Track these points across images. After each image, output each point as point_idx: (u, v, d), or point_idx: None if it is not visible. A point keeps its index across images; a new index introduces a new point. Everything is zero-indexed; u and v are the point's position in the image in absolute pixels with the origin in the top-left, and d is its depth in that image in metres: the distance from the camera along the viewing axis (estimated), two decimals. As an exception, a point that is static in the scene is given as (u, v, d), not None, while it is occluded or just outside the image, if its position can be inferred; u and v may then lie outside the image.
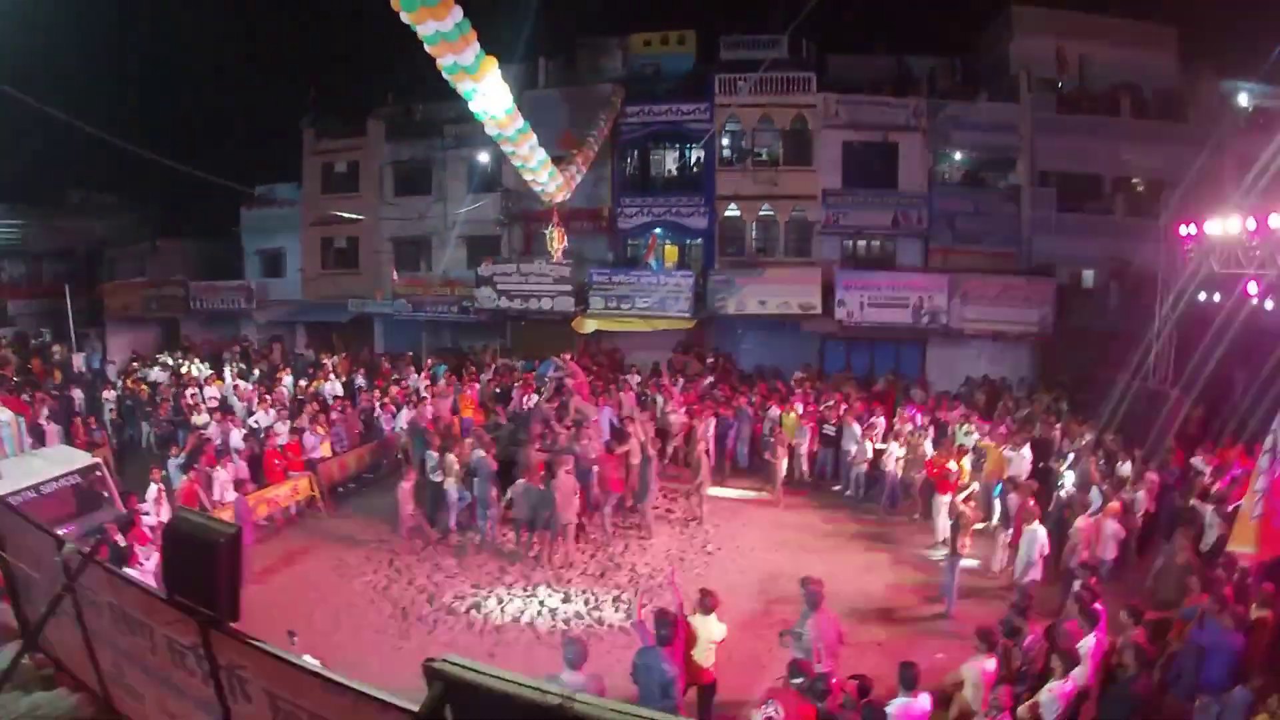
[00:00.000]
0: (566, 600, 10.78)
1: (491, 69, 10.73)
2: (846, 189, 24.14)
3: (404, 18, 8.57)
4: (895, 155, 24.09)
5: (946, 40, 27.84)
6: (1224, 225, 14.07)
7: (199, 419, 17.04)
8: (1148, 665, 6.67)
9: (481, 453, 12.66)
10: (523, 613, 10.45)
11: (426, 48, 9.42)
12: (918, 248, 24.18)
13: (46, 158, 27.25)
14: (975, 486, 12.41)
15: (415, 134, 27.77)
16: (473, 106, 11.65)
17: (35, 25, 20.98)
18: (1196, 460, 12.95)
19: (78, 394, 18.76)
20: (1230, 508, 10.17)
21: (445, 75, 10.37)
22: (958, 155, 24.61)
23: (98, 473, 11.46)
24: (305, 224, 28.87)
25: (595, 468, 12.74)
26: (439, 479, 13.10)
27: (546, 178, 15.01)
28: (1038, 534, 9.75)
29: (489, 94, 11.23)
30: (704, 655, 7.45)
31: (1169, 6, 25.82)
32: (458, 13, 8.97)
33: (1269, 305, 13.08)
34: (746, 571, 11.73)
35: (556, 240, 18.82)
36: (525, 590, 11.05)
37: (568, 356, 17.97)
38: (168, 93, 34.66)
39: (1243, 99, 23.95)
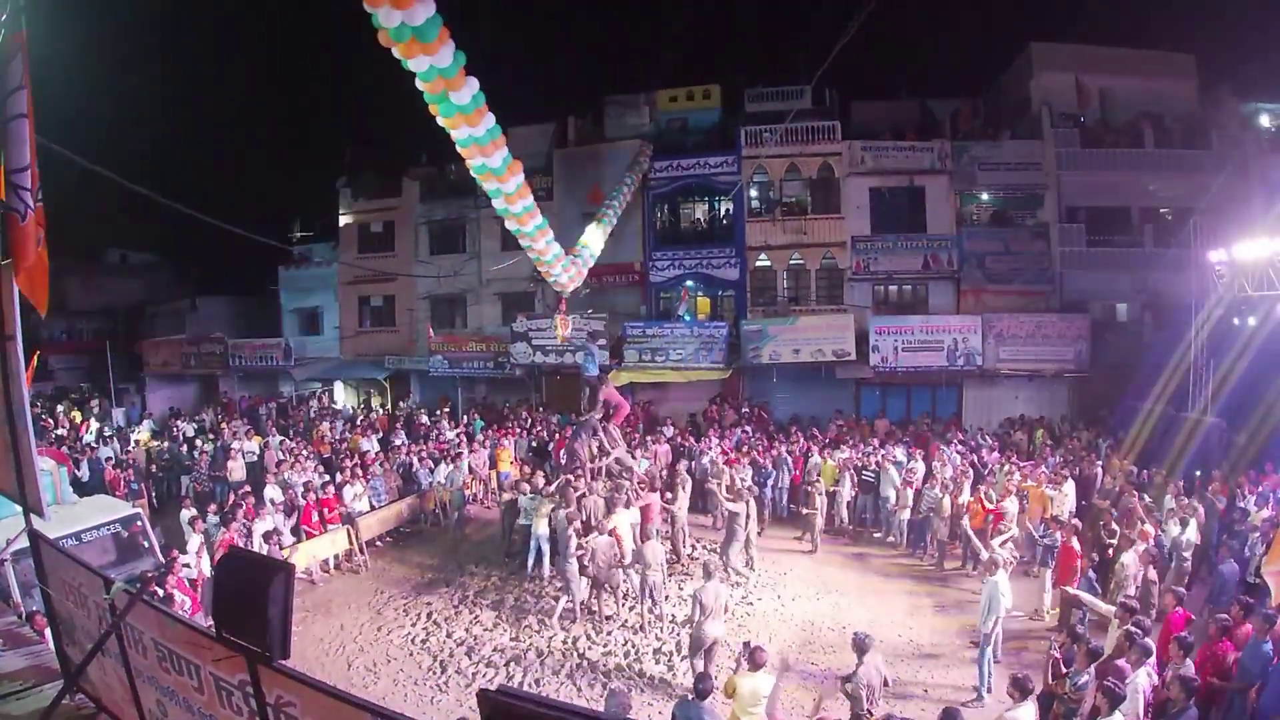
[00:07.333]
0: (607, 653, 10.68)
1: (517, 172, 11.21)
2: (875, 234, 24.22)
3: (440, 122, 9.09)
4: (922, 199, 24.18)
5: (967, 82, 27.99)
6: (1254, 247, 13.96)
7: (237, 474, 17.51)
8: (1197, 695, 6.48)
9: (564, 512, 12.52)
10: (562, 666, 10.38)
11: (458, 149, 9.91)
12: (949, 290, 24.07)
13: (85, 217, 28.06)
14: (1014, 530, 12.23)
15: (449, 193, 28.37)
16: (495, 205, 12.03)
17: (76, 85, 21.79)
18: (1240, 488, 12.74)
19: (114, 447, 19.14)
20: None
21: (473, 174, 10.87)
22: (984, 195, 24.59)
23: (137, 523, 11.58)
24: (342, 283, 29.53)
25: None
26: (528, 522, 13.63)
27: (560, 270, 15.34)
28: (997, 584, 9.35)
29: (511, 194, 11.64)
30: (751, 715, 7.07)
31: (1186, 34, 25.75)
32: (490, 119, 9.46)
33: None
34: (788, 621, 11.58)
35: (560, 328, 19.32)
36: (564, 643, 10.98)
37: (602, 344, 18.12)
38: (206, 154, 35.68)
39: (1264, 120, 23.87)
